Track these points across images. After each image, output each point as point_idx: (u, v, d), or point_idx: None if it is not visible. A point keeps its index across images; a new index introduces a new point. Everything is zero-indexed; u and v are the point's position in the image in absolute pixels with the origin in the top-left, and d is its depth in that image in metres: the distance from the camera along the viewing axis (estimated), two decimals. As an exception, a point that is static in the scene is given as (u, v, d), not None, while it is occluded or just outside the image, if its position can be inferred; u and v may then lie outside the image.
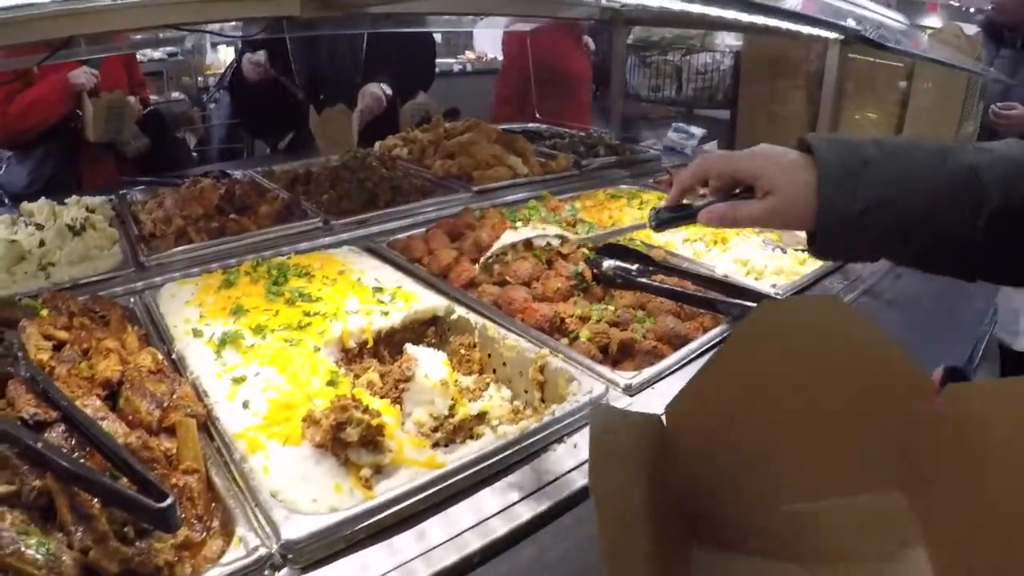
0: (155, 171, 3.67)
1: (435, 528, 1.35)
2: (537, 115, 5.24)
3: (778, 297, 2.08)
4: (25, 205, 2.89)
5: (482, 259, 1.73)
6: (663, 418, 1.08)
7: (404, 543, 1.32)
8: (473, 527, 1.35)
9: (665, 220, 1.59)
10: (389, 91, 4.26)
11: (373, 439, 1.42)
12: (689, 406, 1.07)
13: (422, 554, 1.29)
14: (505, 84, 5.96)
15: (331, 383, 1.65)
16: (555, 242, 1.68)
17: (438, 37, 9.15)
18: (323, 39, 4.28)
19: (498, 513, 1.39)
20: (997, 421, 0.87)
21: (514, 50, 5.84)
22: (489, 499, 1.42)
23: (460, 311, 2.04)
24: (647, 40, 5.01)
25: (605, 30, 5.32)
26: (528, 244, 1.71)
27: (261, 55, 4.10)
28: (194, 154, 4.99)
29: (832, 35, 3.44)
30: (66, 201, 2.96)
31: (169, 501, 1.15)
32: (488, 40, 10.18)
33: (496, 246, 1.71)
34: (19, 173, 3.88)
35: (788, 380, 1.02)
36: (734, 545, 1.05)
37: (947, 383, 0.95)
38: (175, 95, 7.34)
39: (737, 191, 1.50)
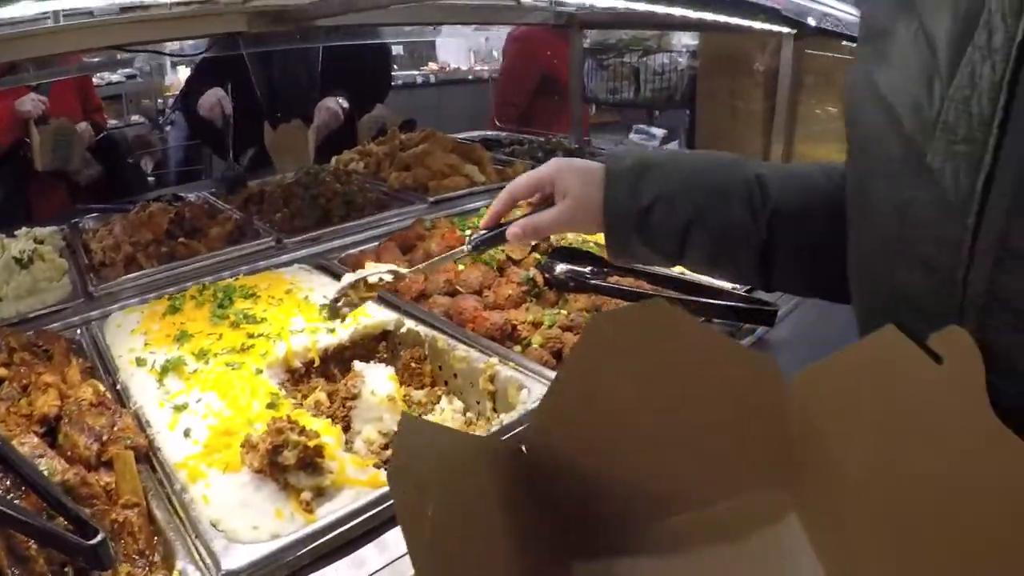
0: (109, 198, 3.60)
1: (374, 554, 1.32)
2: (496, 122, 5.20)
3: (736, 292, 2.04)
4: (-30, 238, 2.82)
5: (328, 304, 1.72)
6: (523, 445, 1.09)
7: (343, 569, 1.29)
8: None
9: (480, 242, 1.66)
10: (346, 104, 4.21)
11: (312, 461, 1.38)
12: (545, 429, 1.08)
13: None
14: (508, 87, 5.79)
15: (271, 406, 1.61)
16: (387, 277, 1.68)
17: (400, 49, 9.17)
18: (276, 55, 4.24)
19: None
20: (828, 396, 0.94)
21: (517, 52, 5.72)
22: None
23: (409, 324, 2.01)
24: (604, 43, 4.98)
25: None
26: (366, 283, 1.71)
27: (216, 94, 4.05)
28: (151, 178, 4.95)
29: (785, 30, 3.42)
30: (16, 233, 2.88)
31: (99, 538, 1.10)
32: (451, 51, 10.16)
33: (337, 289, 1.70)
34: None
35: (637, 391, 1.04)
36: (612, 552, 1.06)
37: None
38: (135, 118, 7.30)
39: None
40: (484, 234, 1.65)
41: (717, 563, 1.03)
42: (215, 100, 4.02)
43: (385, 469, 1.49)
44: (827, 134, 3.77)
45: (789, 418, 0.99)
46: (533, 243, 1.79)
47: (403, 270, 1.72)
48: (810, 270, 1.46)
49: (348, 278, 1.74)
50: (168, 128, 5.56)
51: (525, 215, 1.59)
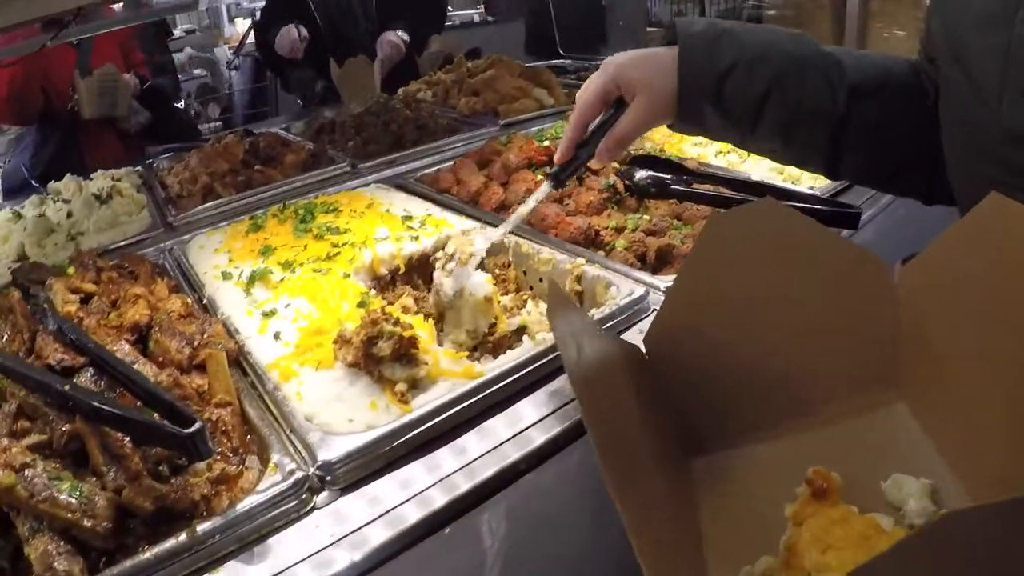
0: (163, 143, 3.61)
1: (473, 442, 1.30)
2: (561, 51, 5.13)
3: (818, 195, 2.00)
4: (52, 184, 2.86)
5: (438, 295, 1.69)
6: (643, 349, 1.11)
7: (444, 457, 1.27)
8: (514, 436, 1.30)
9: (561, 175, 1.58)
10: (406, 37, 4.19)
11: (406, 352, 1.37)
12: (667, 332, 1.09)
13: (463, 467, 1.25)
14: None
15: (361, 304, 1.61)
16: (480, 249, 1.65)
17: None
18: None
19: (540, 421, 1.33)
20: (934, 285, 0.95)
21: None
22: (530, 408, 1.37)
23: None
24: (667, -35, 4.92)
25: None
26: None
27: (291, 33, 4.06)
28: (218, 122, 4.96)
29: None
30: (92, 176, 2.92)
31: (197, 426, 1.11)
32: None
33: (448, 294, 1.65)
34: (20, 161, 3.84)
35: (753, 291, 1.05)
36: (727, 445, 1.07)
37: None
38: (197, 71, 7.34)
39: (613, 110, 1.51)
40: (563, 167, 1.57)
41: (828, 444, 1.02)
42: (294, 37, 4.03)
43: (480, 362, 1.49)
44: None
45: (897, 313, 1.00)
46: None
47: (494, 232, 1.70)
48: (879, 154, 1.44)
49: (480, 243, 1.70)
50: (233, 73, 5.56)
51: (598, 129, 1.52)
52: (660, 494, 0.96)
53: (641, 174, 2.08)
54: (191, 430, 1.10)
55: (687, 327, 1.07)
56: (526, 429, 1.31)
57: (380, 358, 1.36)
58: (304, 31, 4.06)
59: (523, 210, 1.64)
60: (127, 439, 1.19)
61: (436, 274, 1.66)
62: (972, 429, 0.91)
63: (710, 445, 1.08)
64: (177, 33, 7.90)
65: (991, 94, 1.06)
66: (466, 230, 1.73)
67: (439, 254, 1.68)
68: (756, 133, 1.43)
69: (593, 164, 1.56)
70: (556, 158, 1.57)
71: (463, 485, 1.21)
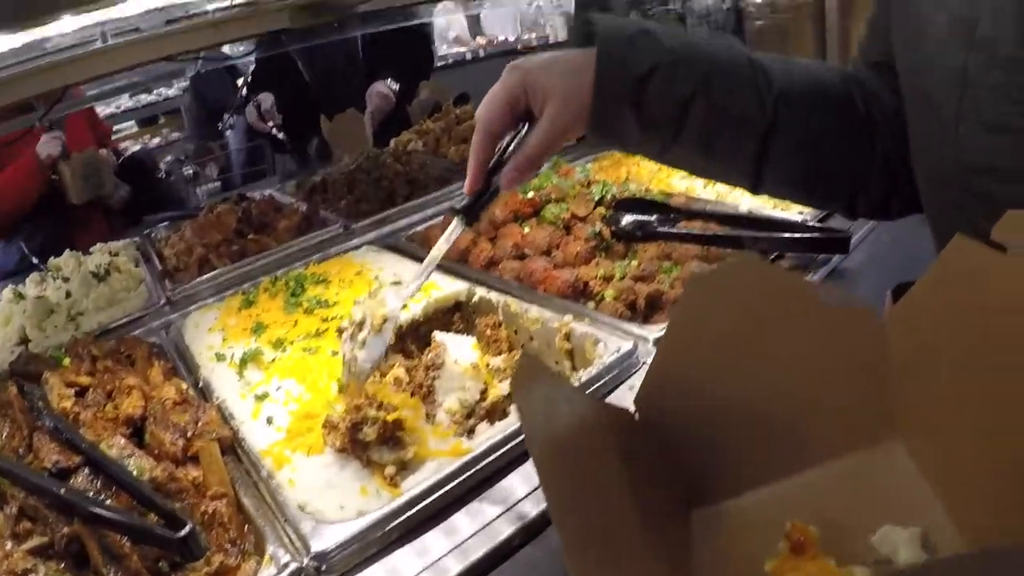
0: (148, 214, 3.63)
1: (464, 522, 1.30)
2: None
3: (807, 223, 2.00)
4: (52, 260, 2.86)
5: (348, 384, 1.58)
6: (634, 409, 1.07)
7: (436, 539, 1.27)
8: (506, 511, 1.30)
9: (469, 208, 1.46)
10: (395, 86, 4.21)
11: (392, 435, 1.38)
12: (657, 391, 1.07)
13: (455, 547, 1.25)
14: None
15: (343, 388, 1.61)
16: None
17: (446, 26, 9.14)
18: (319, 50, 4.22)
19: (532, 492, 1.33)
20: (922, 326, 0.91)
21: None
22: (520, 481, 1.37)
23: (481, 292, 1.99)
24: (645, -8, 4.93)
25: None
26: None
27: (252, 112, 4.12)
28: (216, 182, 4.98)
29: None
30: (91, 250, 2.93)
31: (187, 530, 1.12)
32: (498, 22, 10.05)
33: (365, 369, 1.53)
34: (11, 255, 3.81)
35: (741, 347, 1.02)
36: (726, 495, 1.05)
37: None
38: (196, 128, 7.39)
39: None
40: (475, 199, 1.43)
41: (825, 489, 1.00)
42: (256, 115, 4.10)
43: (467, 437, 1.49)
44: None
45: (888, 356, 0.96)
46: (535, 175, 1.41)
47: (406, 290, 1.60)
48: (805, 165, 1.37)
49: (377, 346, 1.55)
50: (228, 133, 5.58)
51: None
52: (649, 558, 0.96)
53: (627, 219, 2.10)
54: (183, 533, 1.12)
55: (677, 385, 1.06)
56: (518, 503, 1.31)
57: (366, 443, 1.37)
58: (270, 101, 4.09)
59: (435, 254, 1.55)
60: (125, 539, 1.19)
61: (345, 347, 1.56)
62: (968, 474, 0.90)
63: (709, 497, 1.06)
64: (172, 92, 7.97)
65: (948, 120, 1.03)
66: (374, 291, 1.62)
67: (345, 323, 1.60)
68: (677, 142, 1.32)
69: (506, 185, 1.38)
70: (466, 187, 1.43)
71: (454, 568, 1.21)
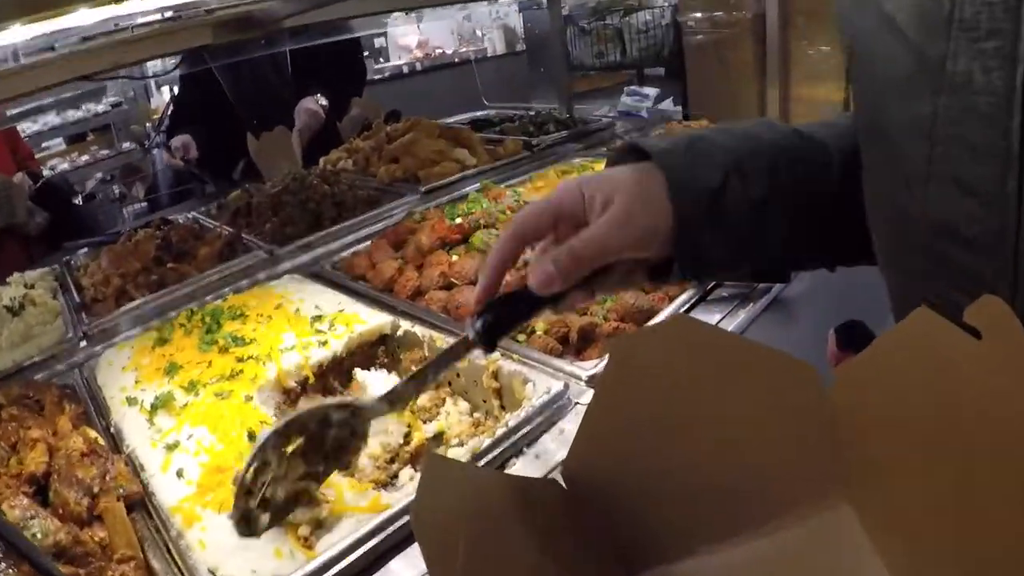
0: (69, 240, 3.50)
1: (390, 578, 1.22)
2: (485, 101, 5.09)
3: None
4: (-34, 296, 2.75)
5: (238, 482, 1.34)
6: (561, 480, 0.99)
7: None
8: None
9: (493, 327, 1.06)
10: (324, 102, 4.12)
11: (303, 493, 1.30)
12: (587, 459, 0.99)
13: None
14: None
15: (252, 438, 1.52)
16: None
17: (383, 41, 9.09)
18: (246, 65, 4.13)
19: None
20: (871, 393, 0.84)
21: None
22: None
23: (406, 324, 1.91)
24: (583, 7, 4.89)
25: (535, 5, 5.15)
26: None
27: (182, 141, 4.01)
28: (143, 203, 4.86)
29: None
30: (8, 280, 2.81)
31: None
32: (436, 34, 9.99)
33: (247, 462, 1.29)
34: None
35: (674, 410, 0.93)
36: (663, 561, 0.96)
37: (842, 341, 0.91)
38: (125, 145, 7.25)
39: None
40: (495, 313, 1.06)
41: (769, 555, 0.95)
42: (168, 155, 3.99)
43: (385, 490, 1.42)
44: (823, 73, 3.68)
45: (834, 421, 0.89)
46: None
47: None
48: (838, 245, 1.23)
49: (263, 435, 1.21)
50: (155, 151, 5.46)
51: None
52: None
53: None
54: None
55: (607, 452, 0.99)
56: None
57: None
58: (180, 141, 4.01)
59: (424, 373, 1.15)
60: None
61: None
62: (918, 548, 0.83)
63: (645, 563, 0.98)
64: (101, 108, 7.83)
65: (915, 178, 0.89)
66: None
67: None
68: (760, 245, 1.14)
69: (538, 285, 1.00)
70: (479, 293, 1.08)
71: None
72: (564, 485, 1.02)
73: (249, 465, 1.12)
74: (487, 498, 0.94)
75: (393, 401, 1.13)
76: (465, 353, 1.10)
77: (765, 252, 1.18)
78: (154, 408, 1.68)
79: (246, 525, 1.14)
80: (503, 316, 1.06)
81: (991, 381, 0.70)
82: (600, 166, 2.94)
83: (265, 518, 1.16)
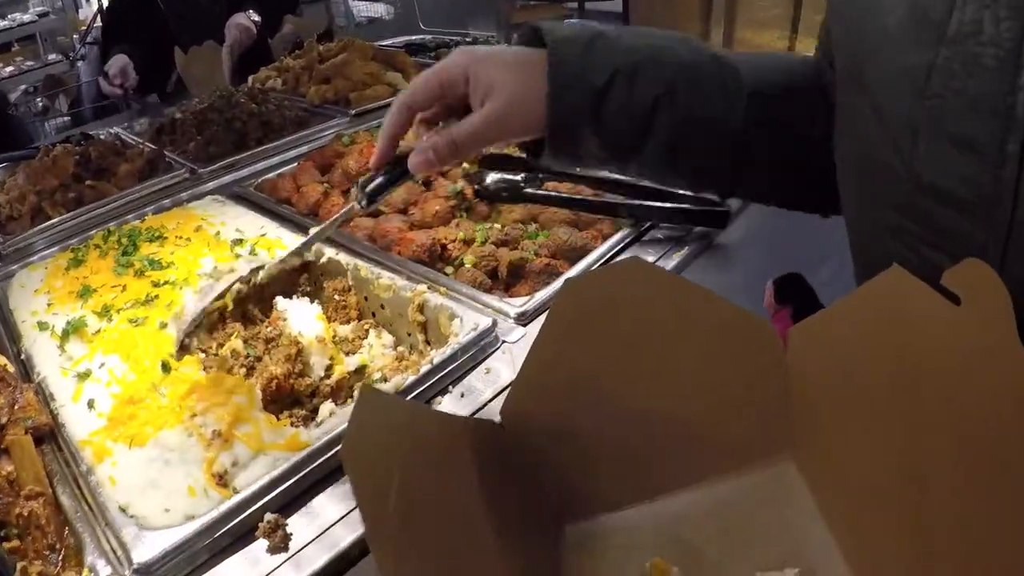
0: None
1: (301, 525, 1.18)
2: (421, 25, 4.98)
3: (683, 193, 1.90)
4: None
5: (177, 339, 1.47)
6: (500, 421, 1.01)
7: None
8: (348, 514, 1.18)
9: (374, 190, 1.30)
10: (257, 18, 3.97)
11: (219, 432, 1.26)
12: (524, 401, 1.00)
13: (291, 557, 1.13)
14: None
15: (166, 368, 1.47)
16: (254, 278, 1.49)
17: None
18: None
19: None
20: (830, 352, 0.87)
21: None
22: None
23: (330, 252, 1.84)
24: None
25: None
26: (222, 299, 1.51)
27: (119, 67, 3.83)
28: (66, 117, 4.71)
29: None
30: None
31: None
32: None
33: (188, 320, 1.46)
34: None
35: (621, 355, 0.95)
36: (602, 509, 1.00)
37: (780, 294, 0.89)
38: (52, 57, 7.06)
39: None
40: (378, 177, 1.29)
41: (707, 507, 0.97)
42: (107, 83, 3.83)
43: (305, 426, 1.37)
44: (769, 20, 3.64)
45: (787, 378, 0.92)
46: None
47: (264, 259, 1.49)
48: (783, 168, 1.26)
49: (193, 302, 1.49)
50: (80, 64, 5.29)
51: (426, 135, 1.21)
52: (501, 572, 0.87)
53: (491, 177, 1.97)
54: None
55: (551, 395, 0.98)
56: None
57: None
58: (118, 65, 3.83)
59: (315, 233, 1.43)
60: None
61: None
62: (862, 509, 0.85)
63: (583, 512, 1.00)
64: (28, 17, 7.61)
65: (902, 133, 0.86)
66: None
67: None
68: (642, 156, 1.20)
69: (414, 167, 1.22)
70: (373, 160, 1.29)
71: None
72: (503, 426, 0.99)
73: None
74: (423, 435, 0.91)
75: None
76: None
77: (646, 163, 1.22)
78: (65, 334, 1.62)
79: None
80: (387, 182, 1.30)
81: (968, 345, 0.67)
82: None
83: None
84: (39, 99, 5.05)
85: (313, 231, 1.43)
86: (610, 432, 0.98)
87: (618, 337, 0.95)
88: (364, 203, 1.32)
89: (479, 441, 0.96)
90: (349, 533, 1.15)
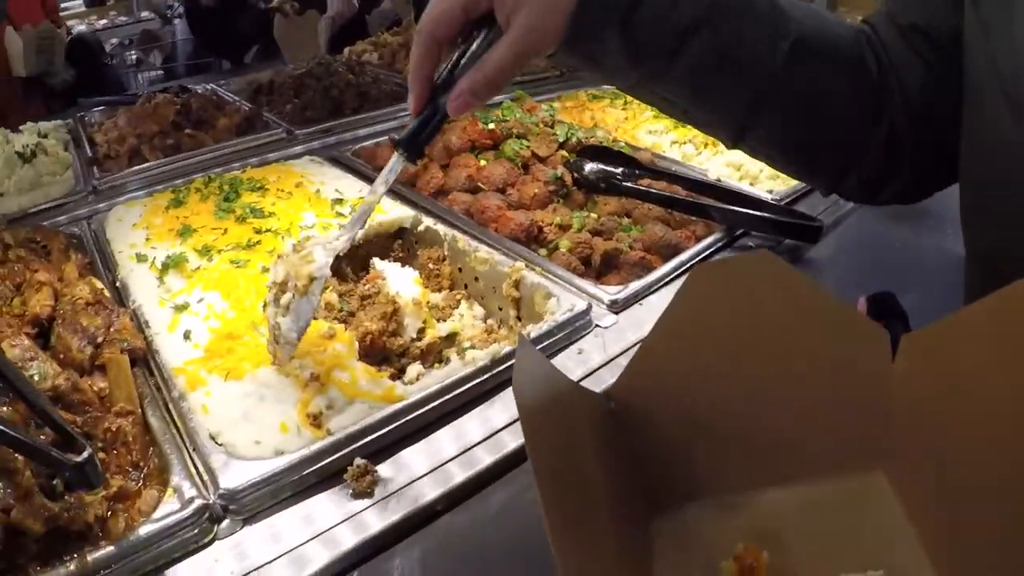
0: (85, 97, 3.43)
1: (394, 468, 1.20)
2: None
3: (776, 204, 1.91)
4: (-23, 138, 2.69)
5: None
6: (609, 395, 1.00)
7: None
8: (435, 469, 1.20)
9: (412, 140, 1.20)
10: (360, -8, 4.03)
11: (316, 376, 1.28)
12: (639, 383, 0.99)
13: (377, 502, 1.14)
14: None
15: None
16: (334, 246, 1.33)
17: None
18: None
19: (461, 454, 1.23)
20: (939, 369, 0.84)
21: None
22: (452, 436, 1.27)
23: (428, 221, 1.86)
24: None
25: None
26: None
27: None
28: (159, 71, 4.78)
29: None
30: (21, 128, 2.75)
31: (86, 455, 1.00)
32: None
33: (291, 339, 1.30)
34: None
35: (737, 349, 0.94)
36: (691, 499, 0.99)
37: (873, 311, 0.88)
38: (144, 14, 7.15)
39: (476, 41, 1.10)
40: (419, 127, 1.17)
41: (795, 506, 0.96)
42: None
43: (402, 382, 1.38)
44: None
45: (892, 390, 0.90)
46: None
47: (337, 242, 1.34)
48: (801, 126, 1.19)
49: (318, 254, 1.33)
50: (176, 21, 5.37)
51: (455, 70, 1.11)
52: (611, 552, 0.88)
53: (591, 167, 1.99)
54: (80, 459, 1.00)
55: (661, 380, 0.98)
56: (446, 463, 1.21)
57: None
58: None
59: (372, 199, 1.29)
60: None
61: (269, 311, 1.34)
62: (955, 519, 0.84)
63: (673, 500, 1.00)
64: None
65: None
66: (299, 244, 1.36)
67: (269, 284, 1.36)
68: (665, 78, 1.11)
69: (456, 111, 1.11)
70: (413, 105, 1.16)
71: (374, 525, 1.11)
72: (612, 404, 0.99)
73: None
74: (558, 391, 0.93)
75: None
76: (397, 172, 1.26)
77: (664, 82, 1.14)
78: (165, 267, 1.64)
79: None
80: (428, 130, 1.18)
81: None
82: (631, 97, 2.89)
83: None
84: (133, 52, 5.12)
85: (365, 203, 1.31)
86: (712, 422, 0.98)
87: (737, 328, 0.94)
88: (405, 154, 1.22)
89: (595, 414, 0.97)
90: (434, 489, 1.17)
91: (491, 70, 1.06)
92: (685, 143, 2.43)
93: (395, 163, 1.25)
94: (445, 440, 1.26)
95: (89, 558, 1.02)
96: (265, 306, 1.35)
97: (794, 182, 2.07)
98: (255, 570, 1.05)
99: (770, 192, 2.04)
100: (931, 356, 0.86)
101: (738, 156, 2.26)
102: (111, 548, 1.03)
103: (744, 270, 0.93)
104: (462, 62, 1.09)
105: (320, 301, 1.34)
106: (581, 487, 0.86)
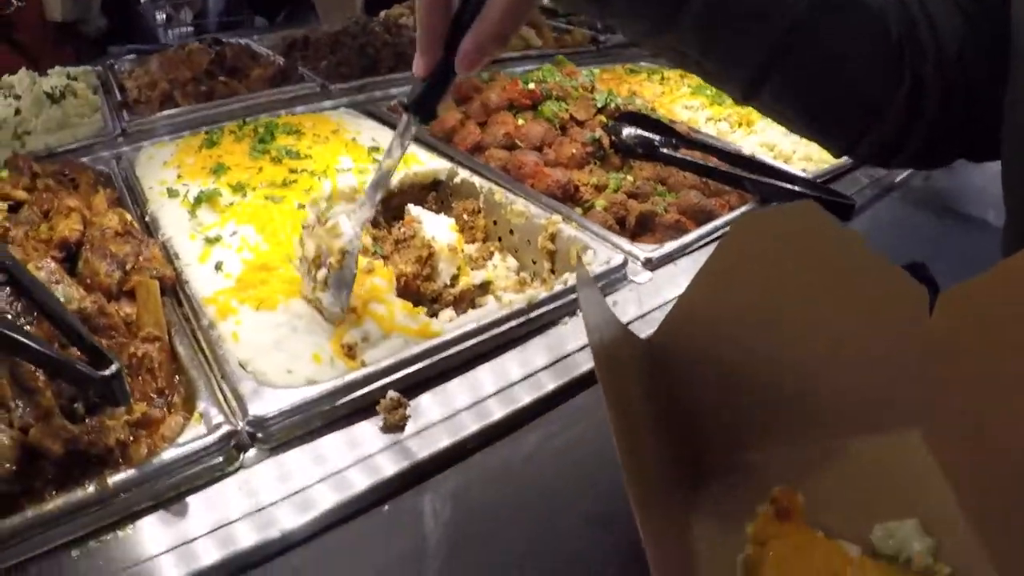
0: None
1: (427, 404, 1.18)
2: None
3: (808, 179, 1.89)
4: (5, 78, 2.63)
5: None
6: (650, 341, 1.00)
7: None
8: (470, 407, 1.18)
9: (422, 100, 1.14)
10: (398, -46, 3.98)
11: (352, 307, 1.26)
12: (680, 330, 0.99)
13: (411, 435, 1.12)
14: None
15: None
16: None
17: None
18: None
19: (498, 392, 1.21)
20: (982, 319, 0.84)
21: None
22: (488, 375, 1.24)
23: (464, 174, 1.85)
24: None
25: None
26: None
27: None
28: (190, 27, 4.76)
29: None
30: (49, 71, 2.71)
31: (114, 369, 0.97)
32: None
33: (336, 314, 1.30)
34: None
35: (779, 298, 0.95)
36: (733, 449, 1.00)
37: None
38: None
39: None
40: (430, 87, 1.11)
41: (830, 458, 0.97)
42: None
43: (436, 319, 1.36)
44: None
45: (931, 346, 0.90)
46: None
47: (362, 211, 1.30)
48: (817, 85, 1.12)
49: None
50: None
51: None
52: (666, 481, 0.90)
53: (629, 131, 1.97)
54: (107, 373, 0.97)
55: (702, 328, 0.98)
56: (484, 400, 1.19)
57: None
58: None
59: (389, 164, 1.24)
60: (40, 371, 1.04)
61: (305, 286, 1.33)
62: (993, 478, 0.83)
63: (716, 448, 0.99)
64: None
65: None
66: (322, 214, 1.34)
67: (297, 261, 1.37)
68: (675, 25, 1.04)
69: (466, 69, 1.03)
70: (417, 68, 1.09)
71: (406, 459, 1.09)
72: (653, 351, 0.99)
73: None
74: (614, 330, 0.94)
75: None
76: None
77: (673, 35, 1.08)
78: (198, 201, 1.62)
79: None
80: (436, 89, 1.11)
81: None
82: (670, 73, 2.87)
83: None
84: (163, 9, 5.10)
85: (381, 169, 1.27)
86: (752, 373, 0.97)
87: (780, 279, 0.94)
88: (418, 115, 1.16)
89: (641, 359, 0.96)
90: (470, 424, 1.15)
91: (493, 20, 0.99)
92: (720, 120, 2.41)
93: (406, 126, 1.19)
94: (481, 378, 1.24)
95: (109, 480, 0.99)
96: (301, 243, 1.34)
97: (827, 163, 2.07)
98: (281, 500, 1.03)
99: (804, 170, 2.03)
100: (969, 311, 0.86)
101: (772, 136, 2.25)
102: (132, 471, 1.00)
103: (789, 218, 0.93)
104: (464, 18, 1.03)
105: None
106: (638, 421, 0.85)
